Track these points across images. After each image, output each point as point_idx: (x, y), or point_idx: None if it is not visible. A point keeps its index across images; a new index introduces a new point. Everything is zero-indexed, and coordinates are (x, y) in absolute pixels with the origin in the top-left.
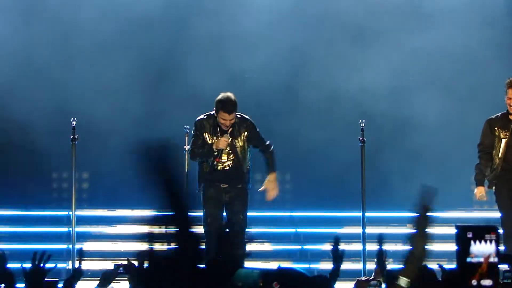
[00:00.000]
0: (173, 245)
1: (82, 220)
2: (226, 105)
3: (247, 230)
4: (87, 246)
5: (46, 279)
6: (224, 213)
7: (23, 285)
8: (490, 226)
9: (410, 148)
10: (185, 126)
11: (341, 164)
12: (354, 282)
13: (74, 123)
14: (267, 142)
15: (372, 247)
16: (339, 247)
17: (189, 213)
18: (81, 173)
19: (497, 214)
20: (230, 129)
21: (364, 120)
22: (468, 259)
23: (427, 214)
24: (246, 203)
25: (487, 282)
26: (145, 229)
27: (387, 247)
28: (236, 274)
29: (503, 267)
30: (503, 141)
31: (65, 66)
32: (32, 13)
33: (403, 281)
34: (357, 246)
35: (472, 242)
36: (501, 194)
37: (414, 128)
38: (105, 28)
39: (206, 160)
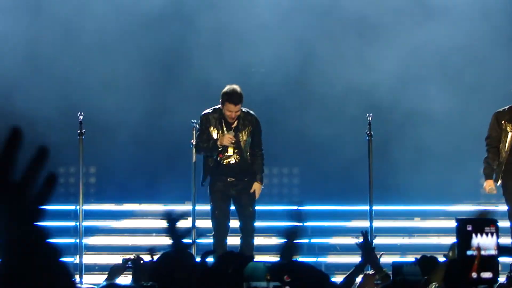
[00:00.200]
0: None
1: (89, 215)
2: (232, 97)
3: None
4: (95, 240)
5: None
6: (232, 207)
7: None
8: (490, 219)
9: (418, 141)
10: (192, 121)
11: (349, 157)
12: (362, 276)
13: (81, 117)
14: (262, 149)
15: (380, 240)
16: (369, 240)
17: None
18: (88, 168)
19: (504, 207)
20: (235, 122)
21: (371, 114)
22: (469, 252)
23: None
24: (254, 196)
25: (487, 274)
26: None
27: (395, 240)
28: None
29: (510, 259)
30: (510, 134)
31: (72, 61)
32: (39, 7)
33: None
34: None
35: (473, 235)
36: (508, 187)
37: (422, 122)
38: (112, 23)
39: (211, 155)
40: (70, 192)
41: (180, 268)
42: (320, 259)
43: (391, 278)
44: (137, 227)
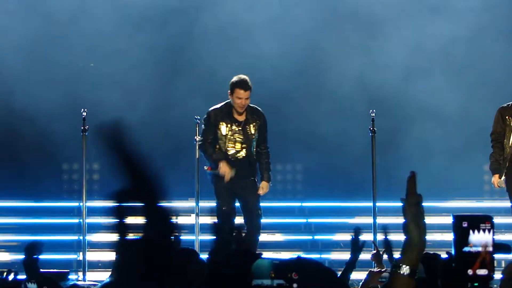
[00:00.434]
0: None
1: (93, 211)
2: (241, 83)
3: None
4: (98, 237)
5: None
6: (237, 204)
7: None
8: (486, 216)
9: (422, 137)
10: (195, 117)
11: (352, 154)
12: (367, 273)
13: (84, 114)
14: (268, 146)
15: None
16: (359, 238)
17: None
18: (91, 164)
19: (507, 204)
20: (243, 115)
21: (374, 110)
22: (467, 249)
23: (418, 202)
24: (259, 199)
25: (482, 271)
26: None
27: (398, 237)
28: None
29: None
30: None
31: (76, 57)
32: (44, 3)
33: (405, 269)
34: (368, 236)
35: (470, 231)
36: None
37: (426, 117)
38: (116, 19)
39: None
40: (73, 188)
41: (185, 265)
42: (324, 256)
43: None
44: (141, 224)
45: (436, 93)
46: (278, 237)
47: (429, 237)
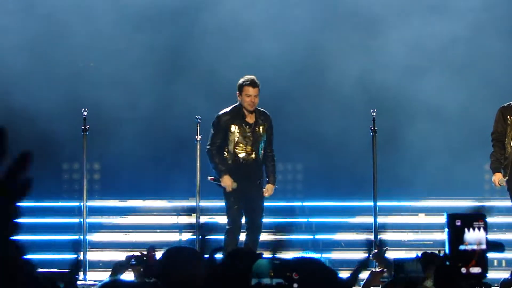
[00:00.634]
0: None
1: (93, 211)
2: (249, 81)
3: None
4: (99, 236)
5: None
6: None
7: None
8: (479, 214)
9: (422, 136)
10: (196, 116)
11: (353, 153)
12: (368, 273)
13: (85, 113)
14: (273, 149)
15: (384, 236)
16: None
17: None
18: (92, 164)
19: (508, 203)
20: (253, 117)
21: (375, 110)
22: (462, 247)
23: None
24: (263, 199)
25: (475, 269)
26: (157, 219)
27: (399, 236)
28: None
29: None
30: None
31: (76, 57)
32: (44, 3)
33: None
34: (369, 236)
35: (465, 229)
36: None
37: (426, 117)
38: (116, 18)
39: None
40: (74, 188)
41: (185, 264)
42: (325, 255)
43: (393, 274)
44: (141, 224)
45: (437, 92)
46: (279, 236)
47: (429, 236)
